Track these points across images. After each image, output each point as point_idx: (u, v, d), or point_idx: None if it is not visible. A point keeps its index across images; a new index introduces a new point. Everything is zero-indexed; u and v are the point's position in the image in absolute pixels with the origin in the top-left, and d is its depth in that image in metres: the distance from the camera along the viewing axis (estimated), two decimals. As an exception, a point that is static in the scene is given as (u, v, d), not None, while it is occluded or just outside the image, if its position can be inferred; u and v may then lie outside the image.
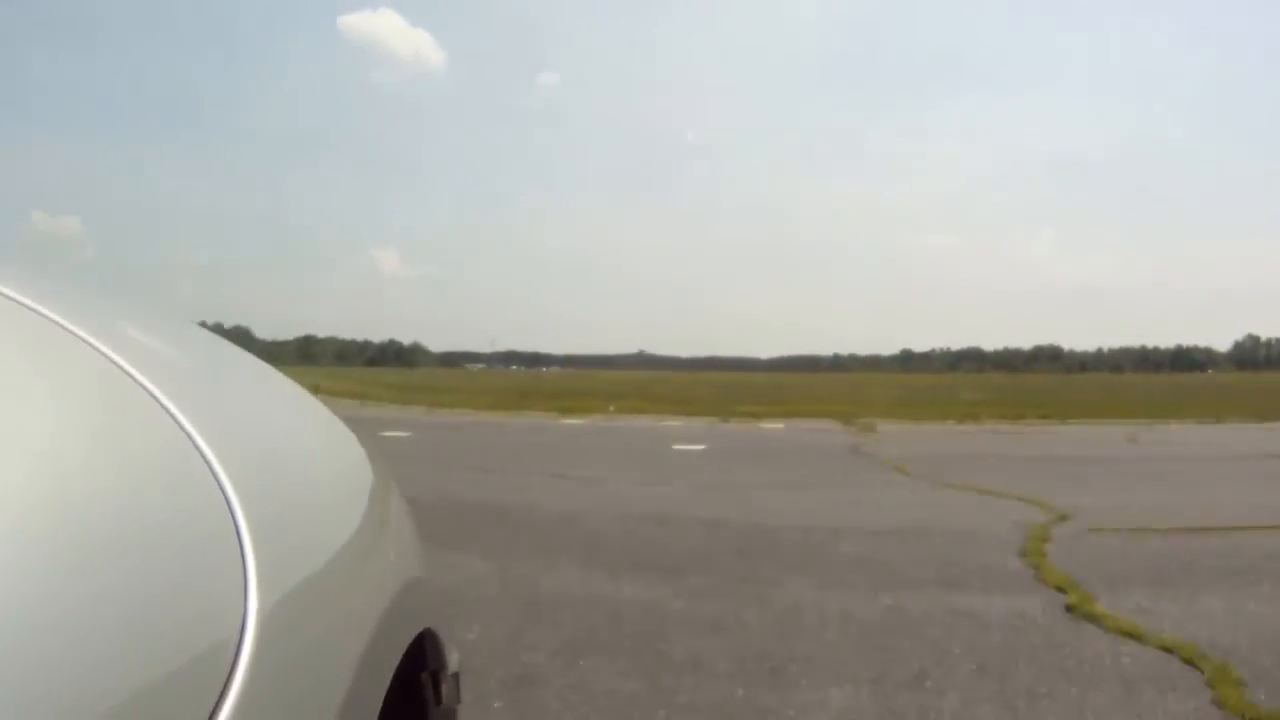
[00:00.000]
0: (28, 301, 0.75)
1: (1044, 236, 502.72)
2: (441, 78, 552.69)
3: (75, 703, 0.46)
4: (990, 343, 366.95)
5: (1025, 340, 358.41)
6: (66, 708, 0.45)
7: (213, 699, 0.54)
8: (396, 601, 0.92)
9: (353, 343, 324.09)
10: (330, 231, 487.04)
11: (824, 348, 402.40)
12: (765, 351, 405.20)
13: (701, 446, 15.16)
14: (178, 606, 0.57)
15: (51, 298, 0.79)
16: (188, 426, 0.71)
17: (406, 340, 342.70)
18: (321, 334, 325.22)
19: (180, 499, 0.66)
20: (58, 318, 0.75)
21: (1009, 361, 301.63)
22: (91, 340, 0.74)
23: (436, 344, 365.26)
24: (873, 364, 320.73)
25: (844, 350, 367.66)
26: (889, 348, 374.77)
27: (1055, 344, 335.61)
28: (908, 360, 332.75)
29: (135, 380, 0.72)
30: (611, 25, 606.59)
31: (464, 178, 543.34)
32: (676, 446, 15.13)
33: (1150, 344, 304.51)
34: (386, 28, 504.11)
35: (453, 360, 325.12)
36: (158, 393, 0.72)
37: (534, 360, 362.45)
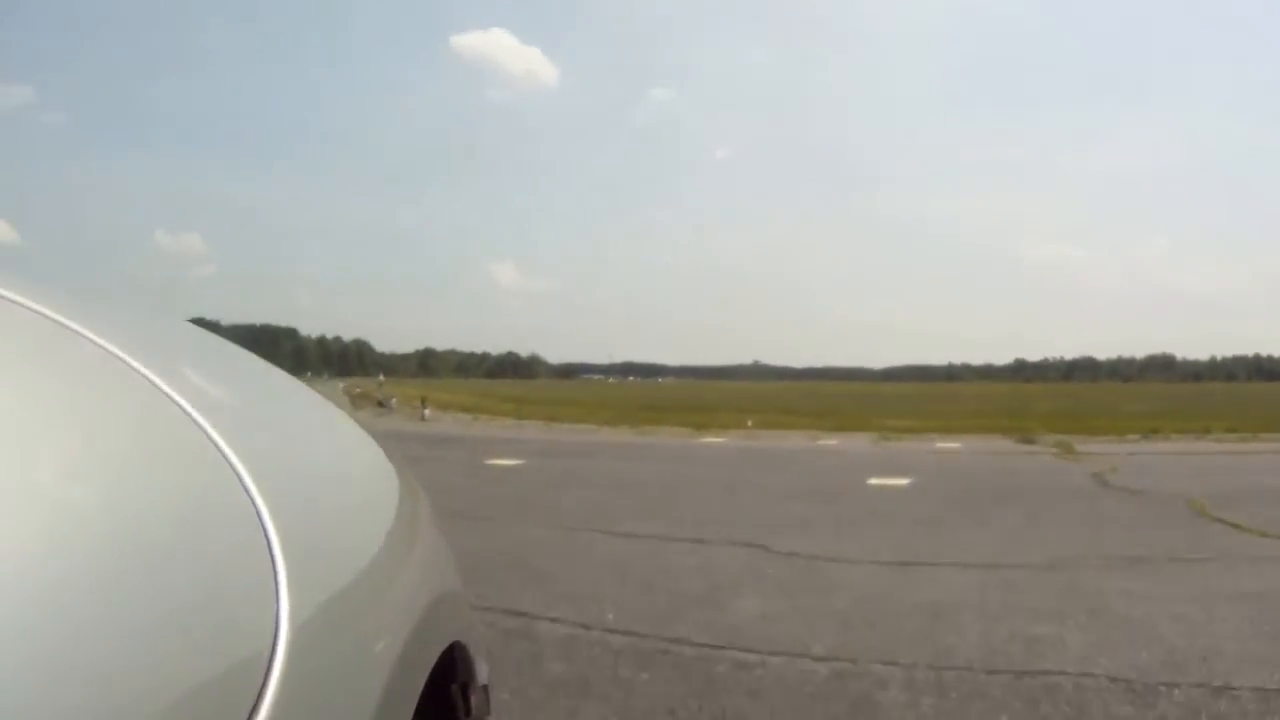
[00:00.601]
0: (64, 320, 0.76)
1: (1159, 244, 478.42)
2: (554, 94, 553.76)
3: (110, 713, 0.47)
4: (1103, 352, 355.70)
5: (1138, 349, 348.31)
6: (102, 712, 0.46)
7: (246, 710, 0.55)
8: (426, 615, 0.93)
9: (472, 355, 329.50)
10: (448, 245, 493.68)
11: (937, 357, 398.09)
12: (878, 361, 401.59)
13: (904, 481, 11.55)
14: (210, 619, 0.58)
15: (91, 315, 0.80)
16: (219, 441, 0.71)
17: (524, 352, 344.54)
18: (441, 347, 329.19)
19: (211, 512, 0.67)
20: (97, 338, 0.76)
21: (1122, 371, 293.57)
22: (123, 355, 0.75)
23: (554, 356, 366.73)
24: (986, 373, 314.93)
25: (957, 360, 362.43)
26: (1002, 357, 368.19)
27: (1168, 353, 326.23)
28: (1021, 369, 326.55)
29: (167, 395, 0.73)
30: (722, 41, 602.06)
31: (580, 191, 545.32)
32: (874, 481, 11.48)
33: (1265, 353, 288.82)
34: (498, 46, 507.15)
35: (570, 372, 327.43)
36: (189, 407, 0.73)
37: (650, 371, 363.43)
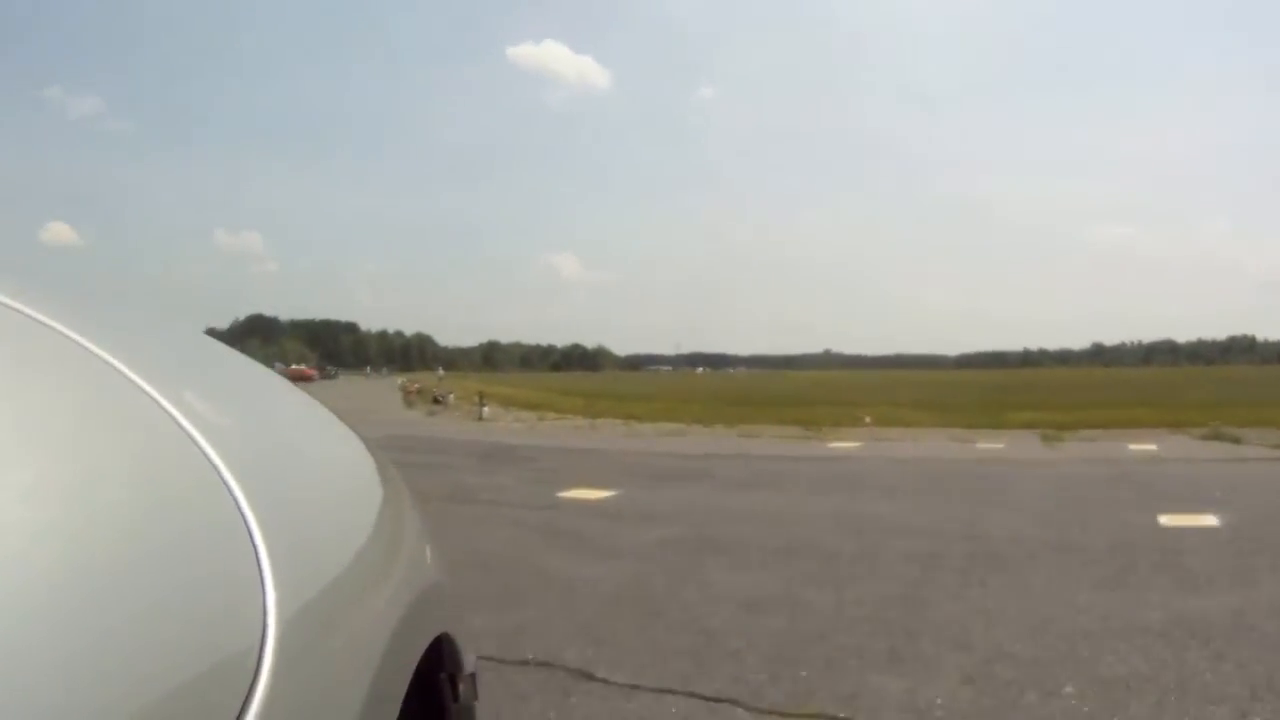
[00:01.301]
0: (39, 315, 0.76)
1: (1231, 225, 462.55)
2: (607, 96, 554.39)
3: (101, 710, 0.47)
4: (1182, 334, 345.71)
5: (1218, 331, 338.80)
6: (92, 715, 0.47)
7: (237, 704, 0.55)
8: (413, 607, 0.94)
9: (536, 348, 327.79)
10: (510, 239, 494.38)
11: (1012, 343, 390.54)
12: (952, 348, 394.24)
13: (1211, 521, 7.06)
14: (198, 615, 0.58)
15: (67, 313, 0.79)
16: (199, 437, 0.71)
17: (590, 344, 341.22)
18: (505, 340, 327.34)
19: (195, 510, 0.67)
20: (77, 336, 0.76)
21: (1203, 353, 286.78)
22: (102, 353, 0.75)
23: (619, 347, 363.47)
24: (1063, 358, 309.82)
25: (1033, 345, 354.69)
26: (1079, 341, 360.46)
27: (1249, 334, 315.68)
28: (1099, 354, 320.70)
29: (149, 395, 0.73)
30: (769, 36, 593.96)
31: (637, 185, 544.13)
32: (1167, 521, 7.09)
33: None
34: (552, 56, 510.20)
35: (637, 363, 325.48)
36: (170, 406, 0.73)
37: (719, 362, 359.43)
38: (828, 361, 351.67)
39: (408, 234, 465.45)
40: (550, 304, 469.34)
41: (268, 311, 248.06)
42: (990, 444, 15.83)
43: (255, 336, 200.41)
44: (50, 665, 0.46)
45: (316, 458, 1.04)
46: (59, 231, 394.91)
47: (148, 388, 0.73)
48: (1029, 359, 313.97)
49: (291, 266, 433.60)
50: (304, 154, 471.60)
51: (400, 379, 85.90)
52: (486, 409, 25.32)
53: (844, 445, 16.07)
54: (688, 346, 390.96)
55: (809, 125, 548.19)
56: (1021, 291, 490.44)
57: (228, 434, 0.77)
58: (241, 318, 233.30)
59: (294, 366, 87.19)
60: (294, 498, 0.82)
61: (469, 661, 1.17)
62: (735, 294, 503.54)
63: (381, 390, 52.69)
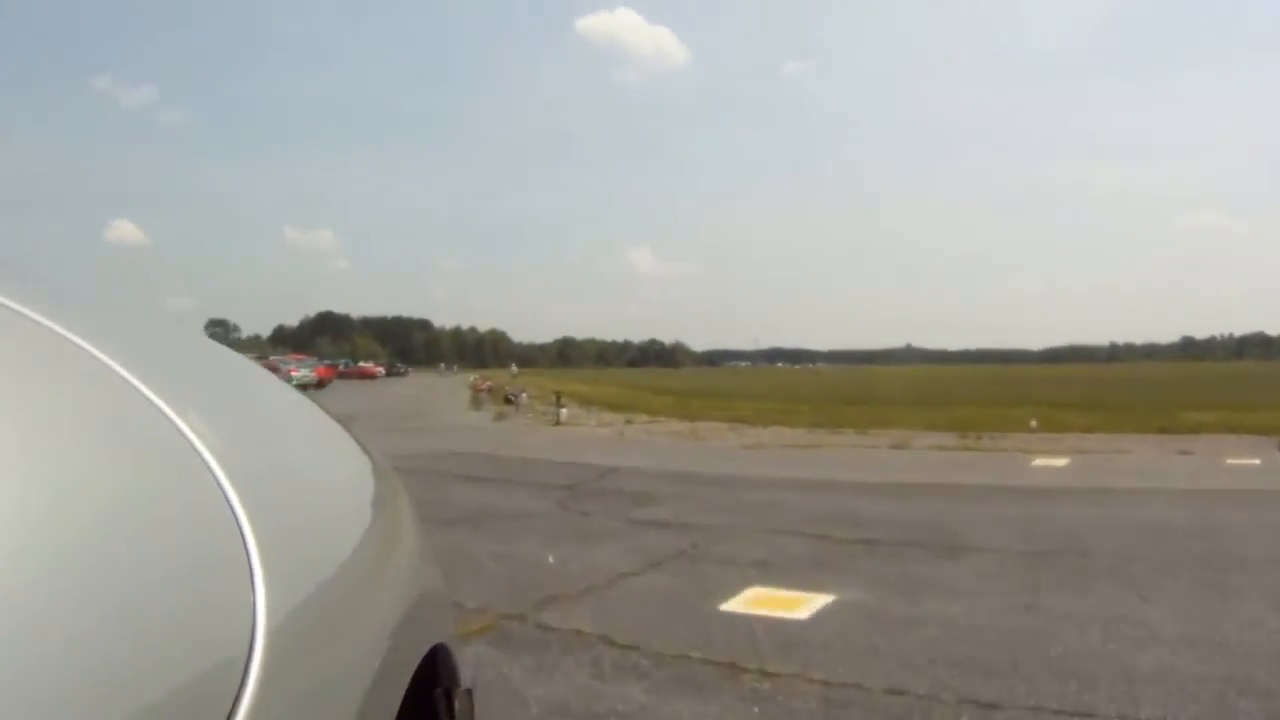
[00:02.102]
0: (33, 314, 0.75)
1: None
2: (684, 73, 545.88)
3: (91, 712, 0.47)
4: (1276, 327, 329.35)
5: None
6: (79, 714, 0.46)
7: (224, 712, 0.54)
8: (407, 617, 0.92)
9: (612, 344, 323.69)
10: (583, 232, 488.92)
11: (1098, 337, 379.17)
12: (1036, 342, 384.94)
13: None
14: (186, 622, 0.57)
15: (61, 312, 0.79)
16: (195, 441, 0.70)
17: (667, 340, 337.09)
18: (580, 336, 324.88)
19: (187, 514, 0.66)
20: (73, 336, 0.74)
21: None
22: (96, 353, 0.73)
23: (695, 342, 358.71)
24: (1150, 353, 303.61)
25: (1120, 339, 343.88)
26: (1167, 335, 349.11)
27: None
28: (1188, 348, 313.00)
29: (143, 394, 0.72)
30: (862, 8, 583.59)
31: (716, 171, 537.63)
32: None
33: None
34: (625, 27, 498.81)
35: (715, 359, 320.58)
36: (166, 408, 0.71)
37: (799, 357, 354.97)
38: (909, 356, 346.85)
39: (481, 229, 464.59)
40: (625, 299, 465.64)
41: (338, 309, 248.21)
42: (1242, 459, 11.44)
43: (325, 334, 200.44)
44: (39, 666, 0.45)
45: (312, 461, 1.01)
46: (124, 230, 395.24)
47: (141, 388, 0.71)
48: (1115, 353, 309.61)
49: (363, 263, 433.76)
50: (371, 145, 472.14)
51: (472, 376, 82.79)
52: (565, 410, 21.34)
53: (1052, 464, 11.73)
54: (765, 342, 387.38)
55: (895, 106, 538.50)
56: (1107, 283, 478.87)
57: (221, 436, 0.74)
58: (311, 315, 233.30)
59: (361, 364, 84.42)
60: (287, 502, 0.80)
61: (465, 676, 1.13)
62: (814, 287, 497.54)
63: (450, 388, 48.99)
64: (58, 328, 0.74)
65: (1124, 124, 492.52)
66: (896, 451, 14.02)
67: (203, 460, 0.68)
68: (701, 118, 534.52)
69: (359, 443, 1.16)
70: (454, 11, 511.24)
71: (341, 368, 75.02)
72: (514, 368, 65.96)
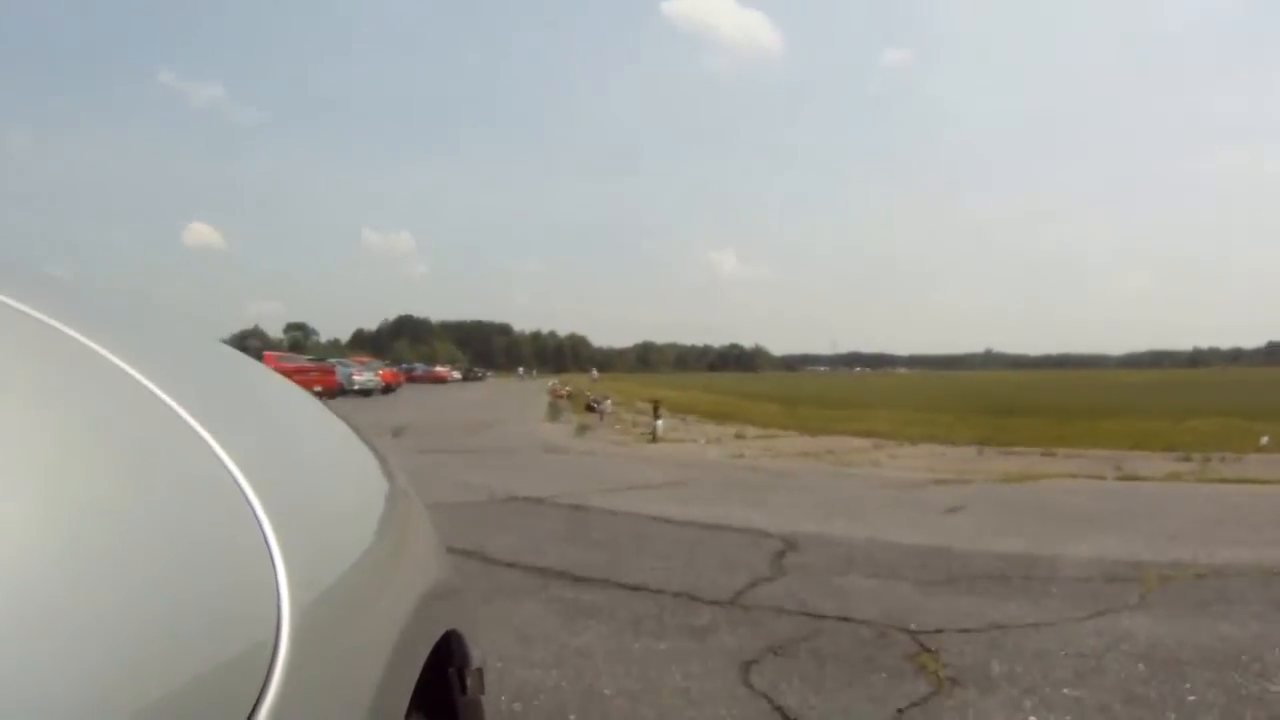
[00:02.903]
0: (57, 323, 0.77)
1: None
2: (776, 61, 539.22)
3: (119, 703, 0.48)
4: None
5: None
6: (109, 710, 0.48)
7: (252, 697, 0.57)
8: (423, 603, 0.96)
9: (692, 348, 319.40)
10: (666, 235, 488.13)
11: (1180, 341, 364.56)
12: (1116, 347, 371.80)
13: None
14: (215, 613, 0.60)
15: (84, 318, 0.82)
16: (212, 441, 0.73)
17: (747, 344, 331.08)
18: (659, 340, 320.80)
19: (209, 511, 0.68)
20: (89, 341, 0.76)
21: None
22: (116, 359, 0.76)
23: (773, 346, 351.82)
24: (1234, 357, 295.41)
25: (1203, 344, 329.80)
26: (1252, 339, 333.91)
27: None
28: (1273, 352, 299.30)
29: (159, 397, 0.74)
30: None
31: (803, 169, 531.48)
32: None
33: None
34: (714, 9, 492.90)
35: (793, 364, 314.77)
36: (181, 409, 0.74)
37: (878, 361, 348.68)
38: (989, 361, 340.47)
39: (561, 232, 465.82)
40: (705, 302, 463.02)
41: (418, 313, 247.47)
42: None
43: (404, 337, 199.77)
44: (67, 661, 0.47)
45: (325, 460, 1.06)
46: (201, 233, 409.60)
47: (159, 392, 0.74)
48: (1198, 358, 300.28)
49: (443, 267, 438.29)
50: (449, 145, 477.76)
51: (551, 381, 79.30)
52: (661, 422, 17.16)
53: None
54: (844, 346, 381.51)
55: (998, 100, 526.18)
56: (1197, 286, 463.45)
57: (240, 436, 0.78)
58: (390, 318, 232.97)
59: (435, 368, 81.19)
60: (304, 498, 0.84)
61: (476, 656, 1.20)
62: (893, 290, 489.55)
63: (526, 393, 45.23)
64: (81, 337, 0.76)
65: (1226, 110, 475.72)
66: (1127, 481, 9.55)
67: (221, 461, 0.71)
68: (791, 110, 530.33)
69: (367, 442, 1.23)
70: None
71: (412, 372, 71.62)
72: (594, 372, 62.22)
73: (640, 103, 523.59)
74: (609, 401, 25.12)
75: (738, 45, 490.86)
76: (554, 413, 26.37)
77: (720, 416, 23.54)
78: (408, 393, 42.72)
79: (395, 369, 47.38)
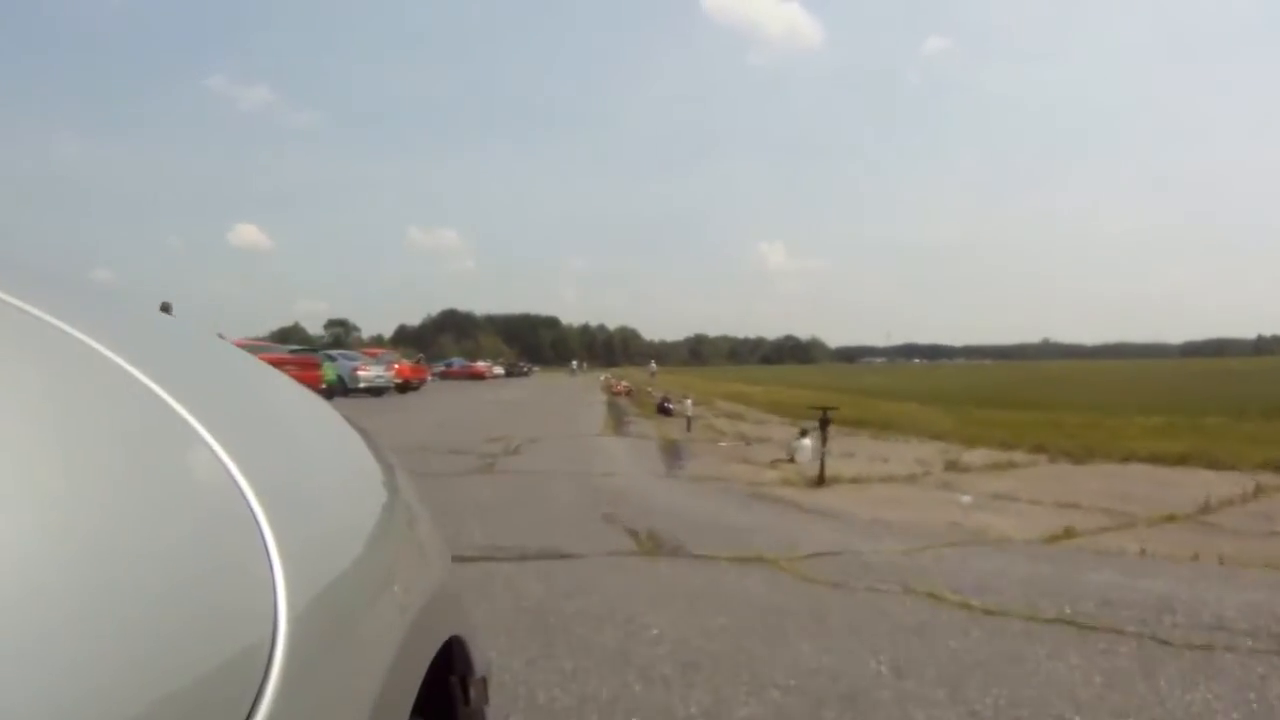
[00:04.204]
0: (52, 319, 0.75)
1: None
2: (818, 53, 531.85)
3: (116, 704, 0.48)
4: None
5: None
6: (106, 712, 0.47)
7: (249, 701, 0.56)
8: (425, 608, 0.95)
9: (745, 340, 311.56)
10: (715, 227, 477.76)
11: (1243, 329, 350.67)
12: (1175, 335, 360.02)
13: None
14: (210, 615, 0.59)
15: (78, 313, 0.79)
16: (211, 440, 0.71)
17: (803, 335, 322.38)
18: (711, 333, 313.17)
19: (207, 511, 0.67)
20: (84, 336, 0.74)
21: None
22: (111, 354, 0.74)
23: (826, 338, 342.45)
24: None
25: (1267, 331, 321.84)
26: None
27: None
28: None
29: (157, 394, 0.73)
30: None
31: (849, 159, 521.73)
32: None
33: None
34: (753, 4, 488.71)
35: (849, 355, 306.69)
36: (180, 407, 0.73)
37: (934, 353, 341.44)
38: (1046, 351, 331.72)
39: (609, 225, 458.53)
40: (756, 295, 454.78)
41: (462, 307, 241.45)
42: None
43: (448, 332, 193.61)
44: (63, 661, 0.46)
45: (326, 462, 1.02)
46: (247, 234, 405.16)
47: (158, 389, 0.73)
48: (1262, 346, 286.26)
49: (489, 263, 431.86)
50: (493, 143, 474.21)
51: (603, 374, 71.99)
52: (807, 440, 9.89)
53: None
54: (898, 337, 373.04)
55: (1045, 89, 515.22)
56: (1251, 274, 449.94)
57: (240, 435, 0.77)
58: (434, 313, 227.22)
59: (474, 363, 73.58)
60: (304, 499, 0.82)
61: (480, 665, 1.17)
62: (946, 280, 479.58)
63: (577, 391, 37.25)
64: (79, 334, 0.73)
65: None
66: None
67: (220, 461, 0.70)
68: (834, 101, 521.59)
69: (370, 443, 1.17)
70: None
71: (448, 368, 64.63)
72: (653, 365, 54.91)
73: (687, 102, 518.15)
74: (689, 401, 17.78)
75: (778, 39, 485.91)
76: (615, 418, 19.07)
77: (853, 423, 16.04)
78: (436, 391, 35.00)
79: (417, 363, 38.30)
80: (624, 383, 38.19)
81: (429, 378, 42.35)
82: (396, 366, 32.58)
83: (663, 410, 19.71)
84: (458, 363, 71.66)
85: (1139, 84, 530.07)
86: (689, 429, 15.00)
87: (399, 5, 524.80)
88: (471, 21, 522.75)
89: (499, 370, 77.34)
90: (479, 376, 62.81)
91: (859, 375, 70.96)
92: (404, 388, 31.84)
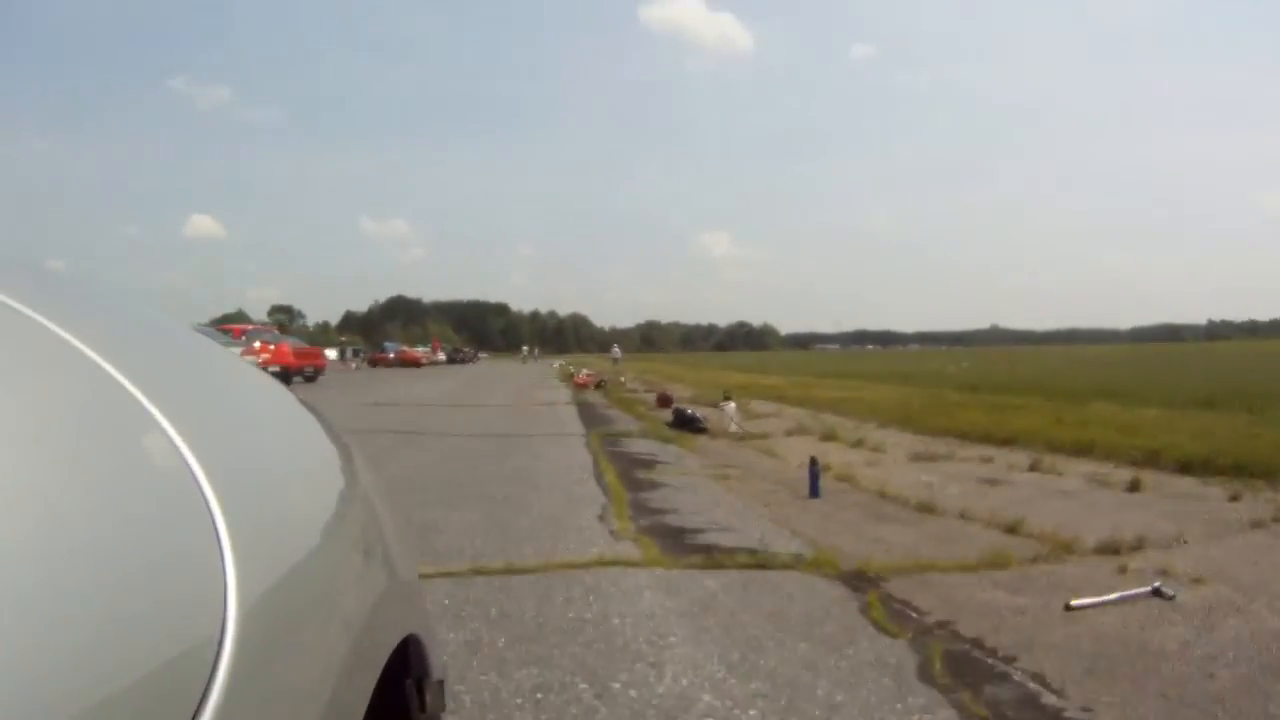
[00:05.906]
0: (11, 302, 0.72)
1: None
2: (750, 58, 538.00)
3: (56, 703, 0.46)
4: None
5: None
6: (47, 708, 0.46)
7: (194, 703, 0.54)
8: (380, 604, 0.91)
9: (697, 327, 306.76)
10: (662, 218, 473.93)
11: (1191, 315, 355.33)
12: (1124, 321, 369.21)
13: None
14: (157, 611, 0.56)
15: (38, 301, 0.76)
16: (167, 428, 0.69)
17: (755, 322, 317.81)
18: (662, 319, 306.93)
19: (157, 502, 0.64)
20: (45, 320, 0.72)
21: None
22: (73, 340, 0.71)
23: (780, 326, 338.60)
24: (1250, 330, 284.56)
25: (1216, 316, 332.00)
26: (1268, 311, 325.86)
27: None
28: None
29: (118, 382, 0.70)
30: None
31: (787, 155, 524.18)
32: None
33: None
34: (686, 15, 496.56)
35: (801, 342, 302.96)
36: (138, 393, 0.70)
37: (886, 339, 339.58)
38: (994, 337, 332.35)
39: (557, 220, 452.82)
40: (705, 283, 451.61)
41: (411, 294, 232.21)
42: None
43: (396, 319, 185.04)
44: (6, 655, 0.45)
45: (284, 452, 0.97)
46: (203, 225, 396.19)
47: (117, 376, 0.70)
48: (1213, 331, 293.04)
49: (440, 251, 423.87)
50: (449, 138, 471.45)
51: (556, 362, 64.13)
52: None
53: None
54: (849, 324, 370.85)
55: (971, 85, 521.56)
56: (1200, 261, 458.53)
57: (195, 424, 0.73)
58: (381, 300, 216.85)
59: (412, 350, 64.76)
60: (259, 493, 0.78)
61: (436, 667, 1.09)
62: (893, 268, 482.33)
63: (531, 385, 29.61)
64: (37, 316, 0.71)
65: (1221, 93, 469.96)
66: None
67: (176, 451, 0.67)
68: (769, 102, 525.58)
69: (330, 431, 1.11)
70: (521, 3, 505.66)
71: (380, 354, 58.43)
72: (616, 350, 47.77)
73: (629, 100, 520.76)
74: (732, 405, 10.39)
75: (712, 46, 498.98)
76: (606, 446, 10.18)
77: (905, 424, 10.46)
78: (332, 385, 26.14)
79: (295, 345, 27.69)
80: (586, 371, 31.01)
81: (326, 364, 31.77)
82: (271, 347, 24.28)
83: (683, 421, 12.05)
84: (392, 348, 63.45)
85: (1049, 81, 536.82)
86: (741, 438, 7.53)
87: (353, 9, 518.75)
88: (423, 26, 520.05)
89: (441, 357, 69.49)
90: (414, 363, 54.82)
91: (818, 362, 65.57)
92: (282, 377, 22.91)
